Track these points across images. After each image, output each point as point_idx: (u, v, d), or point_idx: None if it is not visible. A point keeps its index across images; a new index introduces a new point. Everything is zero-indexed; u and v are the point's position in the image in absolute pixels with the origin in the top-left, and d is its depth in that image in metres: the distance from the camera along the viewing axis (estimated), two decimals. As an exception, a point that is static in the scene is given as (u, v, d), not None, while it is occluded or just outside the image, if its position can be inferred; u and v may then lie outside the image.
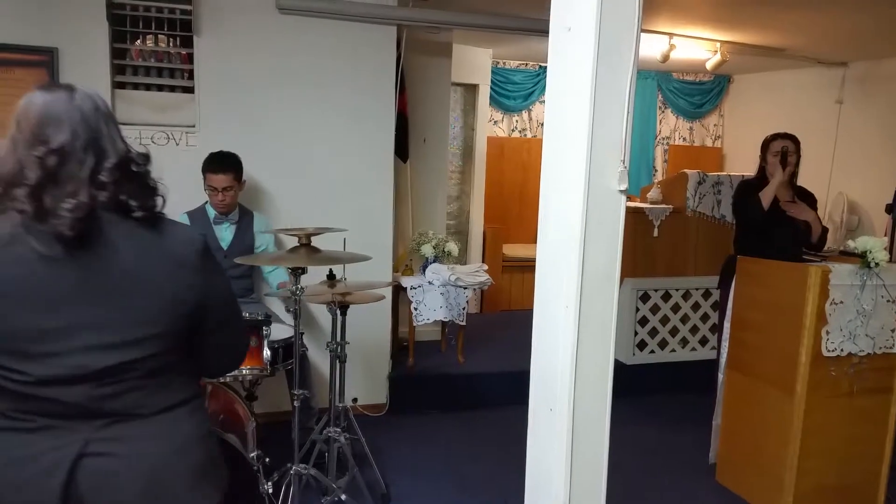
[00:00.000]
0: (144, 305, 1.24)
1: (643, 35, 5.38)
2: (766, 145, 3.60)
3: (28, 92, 1.26)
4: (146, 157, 1.32)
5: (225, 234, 3.38)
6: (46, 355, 1.19)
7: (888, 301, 3.01)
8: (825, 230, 3.63)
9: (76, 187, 1.19)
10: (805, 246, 3.51)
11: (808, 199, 3.66)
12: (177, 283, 1.28)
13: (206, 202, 3.38)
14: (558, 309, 1.82)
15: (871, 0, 3.95)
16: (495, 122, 6.79)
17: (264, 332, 2.71)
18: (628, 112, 1.76)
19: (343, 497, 2.79)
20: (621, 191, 1.77)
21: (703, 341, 4.84)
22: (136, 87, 3.59)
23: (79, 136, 1.21)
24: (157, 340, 1.26)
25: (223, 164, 3.29)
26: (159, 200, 1.32)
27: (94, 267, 1.21)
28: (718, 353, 3.66)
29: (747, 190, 3.59)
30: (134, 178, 1.27)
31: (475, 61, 5.78)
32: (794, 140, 3.55)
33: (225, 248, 3.34)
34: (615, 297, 1.80)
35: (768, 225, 3.48)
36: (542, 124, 6.96)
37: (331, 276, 2.87)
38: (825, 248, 4.18)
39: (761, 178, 3.59)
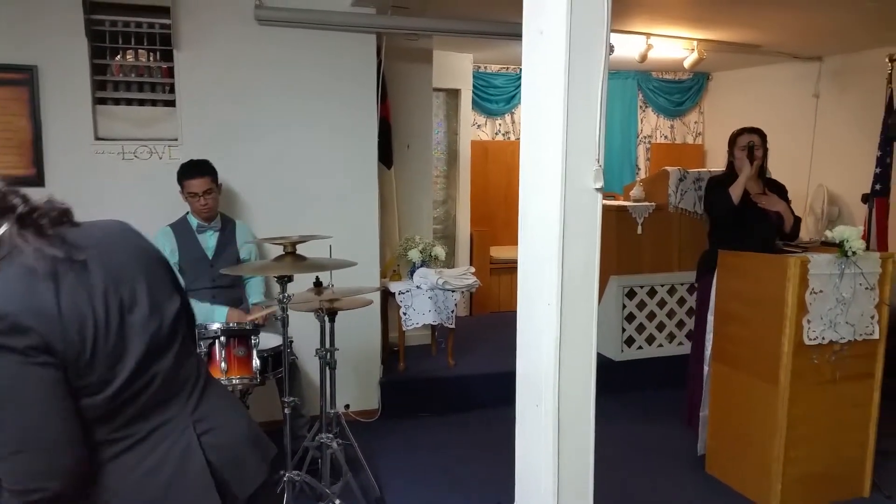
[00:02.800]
0: (153, 264, 1.34)
1: (621, 36, 5.46)
2: (732, 140, 3.68)
3: None
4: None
5: (209, 242, 3.40)
6: (132, 339, 1.23)
7: (867, 288, 3.07)
8: (797, 220, 3.70)
9: (36, 202, 1.23)
10: (779, 236, 3.58)
11: (779, 190, 3.73)
12: (146, 245, 1.39)
13: (187, 213, 3.41)
14: (541, 307, 1.85)
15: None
16: (478, 125, 6.83)
17: (253, 342, 2.73)
18: (601, 112, 1.80)
19: (338, 502, 2.80)
20: (597, 189, 1.81)
21: (691, 336, 4.88)
22: (117, 102, 3.60)
23: None
24: (173, 292, 1.36)
25: (199, 168, 3.33)
26: None
27: (106, 249, 1.25)
28: (698, 346, 3.73)
29: (717, 185, 3.65)
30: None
31: (456, 66, 5.84)
32: (760, 134, 3.62)
33: (210, 258, 3.36)
34: (595, 292, 1.84)
35: (740, 218, 3.54)
36: (525, 126, 7.02)
37: (317, 284, 2.89)
38: (808, 238, 4.25)
39: (730, 173, 3.66)
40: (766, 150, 3.66)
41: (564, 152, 1.77)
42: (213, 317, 3.17)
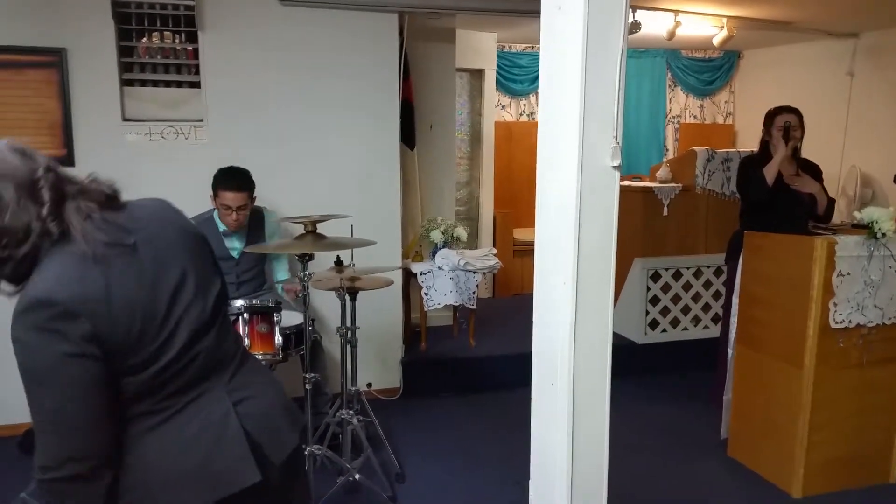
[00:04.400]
0: (196, 246, 1.38)
1: (648, 13, 5.36)
2: (769, 119, 3.59)
3: None
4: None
5: (235, 243, 3.32)
6: (180, 320, 1.27)
7: (896, 271, 3.00)
8: (832, 201, 3.61)
9: (88, 185, 1.26)
10: (812, 218, 3.50)
11: (813, 171, 3.64)
12: (189, 226, 1.43)
13: (214, 210, 3.29)
14: (557, 285, 1.85)
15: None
16: (503, 106, 6.79)
17: (276, 319, 2.77)
18: (620, 88, 1.77)
19: (357, 477, 2.85)
20: (615, 166, 1.79)
21: (716, 319, 4.83)
22: (143, 83, 3.65)
23: (43, 157, 1.26)
24: (215, 272, 1.42)
25: (238, 181, 3.15)
26: None
27: (152, 233, 1.29)
28: (727, 329, 3.67)
29: (750, 165, 3.58)
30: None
31: (480, 46, 5.79)
32: (797, 114, 3.53)
33: (236, 257, 3.31)
34: (612, 271, 1.83)
35: (773, 199, 3.47)
36: (550, 107, 6.93)
37: (338, 263, 2.92)
38: (840, 221, 4.14)
39: (764, 153, 3.58)
40: (802, 131, 3.57)
41: (582, 129, 1.75)
42: None
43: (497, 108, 6.56)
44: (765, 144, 3.62)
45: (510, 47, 6.67)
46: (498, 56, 6.18)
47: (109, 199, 1.27)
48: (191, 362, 1.29)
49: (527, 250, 6.20)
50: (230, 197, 3.15)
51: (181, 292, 1.28)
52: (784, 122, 3.48)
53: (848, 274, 2.92)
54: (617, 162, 1.79)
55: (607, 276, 1.84)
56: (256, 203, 3.39)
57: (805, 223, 3.44)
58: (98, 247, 1.18)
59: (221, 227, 3.27)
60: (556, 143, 1.84)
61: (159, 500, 1.27)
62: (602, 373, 1.86)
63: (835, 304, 2.93)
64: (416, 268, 4.36)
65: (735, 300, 3.46)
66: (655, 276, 4.69)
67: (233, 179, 3.16)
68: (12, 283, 1.21)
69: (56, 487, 1.17)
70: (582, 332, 1.82)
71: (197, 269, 1.34)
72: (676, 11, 5.03)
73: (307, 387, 2.70)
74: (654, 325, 4.73)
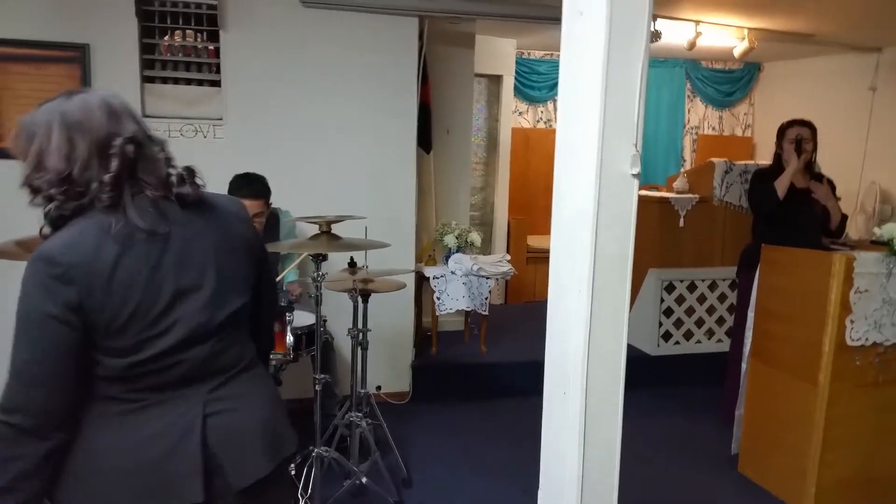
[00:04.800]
0: (238, 257, 1.38)
1: (668, 22, 5.34)
2: (781, 132, 3.57)
3: (62, 97, 1.27)
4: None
5: None
6: (179, 321, 1.26)
7: (916, 289, 2.95)
8: (844, 217, 3.58)
9: (160, 167, 1.28)
10: (824, 233, 3.47)
11: (828, 186, 3.60)
12: (248, 236, 1.43)
13: None
14: (571, 293, 1.83)
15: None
16: (520, 112, 6.77)
17: (287, 319, 2.77)
18: (641, 96, 1.76)
19: (364, 480, 2.84)
20: (634, 174, 1.78)
21: (730, 332, 4.78)
22: (164, 81, 3.68)
23: (139, 125, 1.29)
24: (246, 288, 1.40)
25: (254, 188, 3.04)
26: None
27: (193, 232, 1.30)
28: (737, 343, 3.65)
29: (762, 178, 3.55)
30: (165, 162, 1.35)
31: (499, 52, 5.78)
32: (810, 127, 3.50)
33: None
34: (628, 280, 1.81)
35: (785, 213, 3.44)
36: (568, 115, 6.92)
37: (352, 264, 2.92)
38: (858, 237, 4.09)
39: (776, 166, 3.56)
40: (815, 145, 3.54)
41: (601, 136, 1.74)
42: None
43: (514, 115, 6.55)
44: (777, 158, 3.59)
45: (529, 54, 6.66)
46: (517, 62, 6.17)
47: (177, 185, 1.29)
48: (173, 366, 1.27)
49: (541, 257, 6.18)
50: (247, 204, 2.97)
51: (189, 296, 1.27)
52: (796, 136, 3.45)
53: (866, 291, 2.88)
54: (636, 170, 1.77)
55: (623, 285, 1.83)
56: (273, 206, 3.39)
57: (818, 237, 3.40)
58: (126, 226, 1.21)
59: None
60: (575, 149, 1.82)
61: (89, 489, 1.24)
62: (615, 383, 1.84)
63: (851, 322, 2.89)
64: (428, 272, 4.36)
65: (750, 314, 3.42)
66: (670, 288, 4.66)
67: (249, 187, 3.05)
68: (51, 227, 1.24)
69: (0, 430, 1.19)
70: (596, 342, 1.81)
71: (222, 278, 1.32)
72: (697, 21, 5.00)
73: (317, 388, 2.70)
74: (667, 336, 4.69)
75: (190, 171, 1.34)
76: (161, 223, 1.25)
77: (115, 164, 1.22)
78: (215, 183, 3.53)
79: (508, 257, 4.59)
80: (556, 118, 6.92)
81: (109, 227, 1.20)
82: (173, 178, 1.29)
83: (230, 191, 3.13)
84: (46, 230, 1.24)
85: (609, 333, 1.83)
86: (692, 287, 4.71)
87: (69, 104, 1.25)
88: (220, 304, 1.32)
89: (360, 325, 3.03)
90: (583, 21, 1.78)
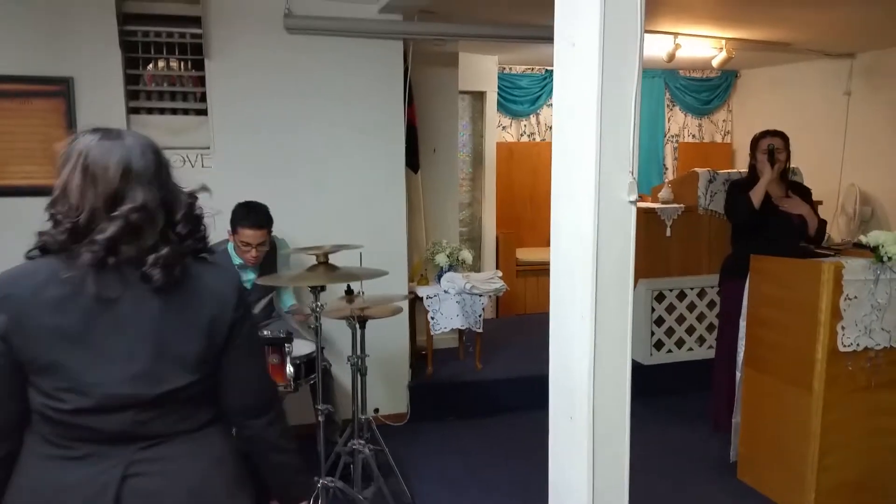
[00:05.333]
0: (192, 338, 1.33)
1: (648, 36, 5.40)
2: (754, 143, 3.64)
3: (99, 134, 1.28)
4: (195, 197, 1.40)
5: (249, 276, 3.26)
6: (97, 385, 1.25)
7: (903, 294, 3.01)
8: (823, 222, 3.65)
9: (156, 240, 1.27)
10: (804, 240, 3.53)
11: (803, 193, 3.67)
12: (218, 320, 1.36)
13: (228, 242, 3.21)
14: (574, 320, 1.85)
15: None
16: (503, 127, 6.83)
17: (287, 350, 2.76)
18: (635, 123, 1.79)
19: (369, 508, 2.84)
20: (631, 201, 1.81)
21: (720, 339, 4.84)
22: (149, 111, 3.66)
23: (155, 192, 1.28)
24: (198, 371, 1.34)
25: (259, 219, 3.08)
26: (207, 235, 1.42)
27: (146, 306, 1.28)
28: (722, 352, 3.72)
29: (738, 189, 3.61)
30: (194, 222, 1.35)
31: (481, 68, 5.83)
32: (782, 136, 3.57)
33: (249, 289, 3.23)
34: (629, 305, 1.84)
35: (762, 222, 3.50)
36: (551, 128, 6.96)
37: (349, 292, 2.92)
38: (841, 239, 4.16)
39: (751, 177, 3.62)
40: (788, 154, 3.61)
41: (598, 165, 1.76)
42: None
43: (498, 129, 6.60)
44: (752, 168, 3.65)
45: (511, 69, 6.72)
46: (499, 78, 6.23)
47: (150, 264, 1.26)
48: (95, 425, 1.26)
49: (530, 270, 6.22)
50: (250, 234, 3.07)
51: (116, 364, 1.25)
52: (768, 146, 3.52)
53: (855, 297, 2.94)
54: (634, 197, 1.80)
55: (625, 308, 1.85)
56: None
57: (796, 245, 3.45)
58: (80, 280, 1.22)
59: (237, 261, 3.18)
60: (572, 178, 1.85)
61: None
62: (621, 406, 1.86)
63: (843, 328, 2.94)
64: (421, 291, 4.36)
65: (742, 323, 3.46)
66: (660, 297, 4.71)
67: (254, 217, 3.06)
68: (39, 251, 1.28)
69: None
70: (601, 365, 1.82)
71: (159, 358, 1.28)
72: (676, 34, 5.08)
73: (319, 419, 2.69)
74: (658, 345, 4.74)
75: (174, 255, 1.28)
76: (114, 288, 1.24)
77: (112, 228, 1.22)
78: (205, 211, 3.53)
79: (500, 273, 4.62)
80: (538, 131, 6.99)
81: (59, 270, 1.22)
82: (150, 258, 1.26)
83: (233, 220, 3.13)
84: (33, 253, 1.28)
85: (614, 356, 1.85)
86: (681, 295, 4.76)
87: (97, 148, 1.26)
88: (154, 381, 1.28)
89: (358, 352, 3.03)
90: (575, 52, 1.81)
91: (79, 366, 1.23)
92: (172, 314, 1.30)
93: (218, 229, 3.31)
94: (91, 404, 1.24)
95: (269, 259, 3.32)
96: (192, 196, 1.38)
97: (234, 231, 3.13)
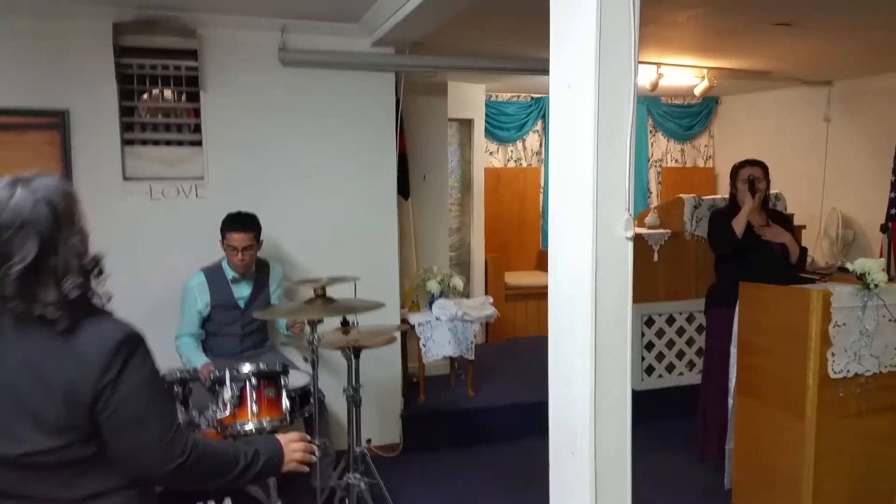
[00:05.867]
0: (48, 401, 1.26)
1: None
2: (734, 172, 3.70)
3: (18, 183, 1.29)
4: (94, 260, 1.34)
5: (243, 291, 3.37)
6: None
7: (890, 320, 3.07)
8: (804, 250, 3.72)
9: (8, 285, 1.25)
10: (787, 267, 3.59)
11: (783, 221, 3.75)
12: (79, 385, 1.26)
13: (223, 259, 3.38)
14: (574, 355, 1.88)
15: (855, 26, 4.08)
16: (491, 153, 6.90)
17: (283, 383, 2.75)
18: (630, 163, 1.84)
19: (366, 542, 2.82)
20: (628, 237, 1.85)
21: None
22: (144, 142, 3.67)
23: (44, 247, 1.25)
24: (61, 437, 1.27)
25: (244, 222, 3.28)
26: (97, 300, 1.35)
27: (10, 357, 1.26)
28: (708, 379, 3.76)
29: (719, 219, 3.67)
30: (50, 283, 1.26)
31: (469, 96, 5.92)
32: (761, 166, 3.65)
33: (242, 307, 3.36)
34: (628, 340, 1.87)
35: (744, 251, 3.56)
36: (537, 153, 7.07)
37: (345, 323, 2.93)
38: (825, 263, 4.25)
39: (732, 205, 3.69)
40: (768, 182, 3.68)
41: (595, 203, 1.81)
42: (193, 366, 3.17)
43: (486, 155, 6.67)
44: (733, 197, 3.72)
45: (497, 96, 6.82)
46: (486, 105, 6.32)
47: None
48: None
49: (519, 294, 6.26)
50: (236, 238, 3.25)
51: None
52: (748, 176, 3.59)
53: (844, 324, 2.99)
54: (630, 233, 1.84)
55: (624, 341, 1.88)
56: (262, 257, 3.49)
57: (778, 272, 3.50)
58: None
59: (230, 275, 3.35)
60: (569, 216, 1.89)
61: None
62: (623, 439, 1.88)
63: (832, 354, 2.99)
64: (413, 318, 4.37)
65: (732, 350, 3.51)
66: (650, 322, 4.75)
67: (238, 221, 3.29)
68: None
69: None
70: (602, 400, 1.85)
71: (19, 414, 1.25)
72: (659, 64, 5.20)
73: (316, 454, 2.67)
74: (649, 370, 4.78)
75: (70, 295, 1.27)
76: None
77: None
78: (199, 240, 3.57)
79: (491, 300, 4.64)
80: (525, 157, 7.07)
81: None
82: (12, 304, 1.25)
83: (222, 228, 3.29)
84: None
85: (614, 390, 1.88)
86: (671, 320, 4.82)
87: (4, 192, 1.28)
88: (12, 440, 1.25)
89: (353, 383, 3.03)
90: (571, 94, 1.86)
91: None
92: (31, 371, 1.25)
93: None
94: None
95: (263, 278, 3.42)
96: (77, 257, 1.31)
97: (222, 238, 3.29)
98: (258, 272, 3.43)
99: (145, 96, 3.67)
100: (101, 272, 1.35)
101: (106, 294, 1.36)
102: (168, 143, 3.71)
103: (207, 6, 3.43)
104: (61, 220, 1.29)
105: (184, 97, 3.69)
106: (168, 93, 3.68)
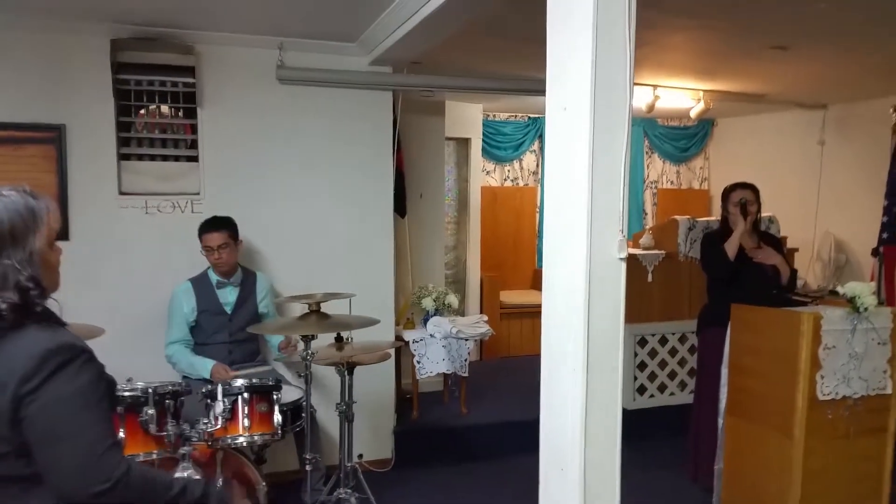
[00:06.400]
0: None
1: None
2: (725, 195, 3.74)
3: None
4: (33, 280, 1.35)
5: (229, 297, 3.43)
6: None
7: (879, 343, 3.09)
8: (794, 272, 3.75)
9: None
10: (778, 288, 3.62)
11: (774, 243, 3.78)
12: (1, 391, 1.26)
13: (208, 268, 3.46)
14: (566, 374, 1.90)
15: (849, 51, 4.14)
16: (487, 172, 6.95)
17: (275, 398, 2.76)
18: (624, 184, 1.87)
19: (356, 560, 2.80)
20: (621, 258, 1.87)
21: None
22: (140, 157, 3.69)
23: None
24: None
25: (216, 223, 3.41)
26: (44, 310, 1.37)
27: None
28: (700, 400, 3.77)
29: (712, 242, 3.71)
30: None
31: (467, 116, 5.97)
32: (753, 189, 3.69)
33: (229, 312, 3.40)
34: (620, 360, 1.89)
35: (736, 273, 3.59)
36: (534, 173, 7.12)
37: (339, 339, 2.94)
38: (817, 286, 4.27)
39: (724, 228, 3.72)
40: (759, 205, 3.72)
41: (589, 224, 1.83)
42: (199, 371, 3.22)
43: (482, 174, 6.72)
44: (724, 220, 3.76)
45: (494, 116, 6.88)
46: (483, 124, 6.37)
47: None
48: None
49: (514, 313, 6.27)
50: (210, 237, 3.36)
51: None
52: (740, 199, 3.62)
53: (833, 347, 3.01)
54: (624, 254, 1.87)
55: (616, 361, 1.90)
56: (252, 269, 3.55)
57: (769, 294, 3.53)
58: None
59: (214, 279, 3.43)
60: (564, 236, 1.92)
61: None
62: (612, 457, 1.89)
63: (822, 377, 3.00)
64: (408, 335, 4.38)
65: (723, 370, 3.52)
66: (642, 342, 4.77)
67: (211, 222, 3.41)
68: None
69: None
70: (592, 418, 1.86)
71: None
72: (655, 86, 5.26)
73: (308, 468, 2.68)
74: (641, 390, 4.78)
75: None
76: None
77: None
78: (193, 256, 3.57)
79: (485, 318, 4.65)
80: (521, 176, 7.12)
81: None
82: None
83: (199, 232, 3.41)
84: None
85: (604, 409, 1.89)
86: (663, 340, 4.83)
87: None
88: None
89: (346, 399, 3.03)
90: (567, 116, 1.89)
91: None
92: None
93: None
94: None
95: (249, 285, 3.49)
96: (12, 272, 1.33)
97: (200, 242, 3.39)
98: (244, 279, 3.49)
99: (142, 112, 3.70)
100: (41, 295, 1.36)
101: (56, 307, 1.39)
102: (164, 158, 3.73)
103: (206, 24, 3.47)
104: (8, 236, 1.33)
105: (181, 113, 3.72)
106: (165, 108, 3.71)
